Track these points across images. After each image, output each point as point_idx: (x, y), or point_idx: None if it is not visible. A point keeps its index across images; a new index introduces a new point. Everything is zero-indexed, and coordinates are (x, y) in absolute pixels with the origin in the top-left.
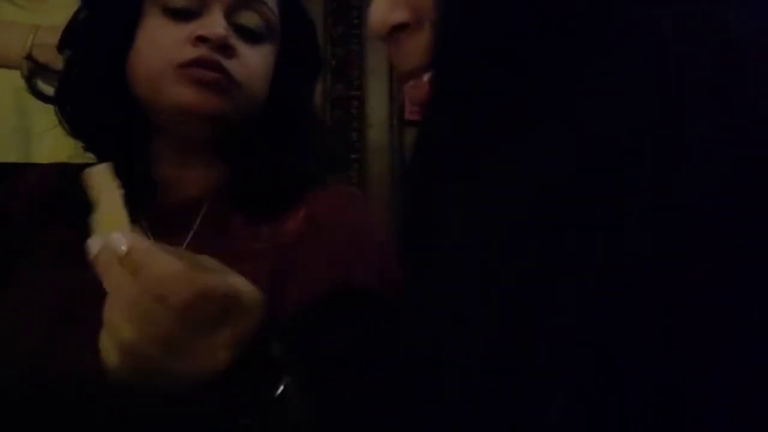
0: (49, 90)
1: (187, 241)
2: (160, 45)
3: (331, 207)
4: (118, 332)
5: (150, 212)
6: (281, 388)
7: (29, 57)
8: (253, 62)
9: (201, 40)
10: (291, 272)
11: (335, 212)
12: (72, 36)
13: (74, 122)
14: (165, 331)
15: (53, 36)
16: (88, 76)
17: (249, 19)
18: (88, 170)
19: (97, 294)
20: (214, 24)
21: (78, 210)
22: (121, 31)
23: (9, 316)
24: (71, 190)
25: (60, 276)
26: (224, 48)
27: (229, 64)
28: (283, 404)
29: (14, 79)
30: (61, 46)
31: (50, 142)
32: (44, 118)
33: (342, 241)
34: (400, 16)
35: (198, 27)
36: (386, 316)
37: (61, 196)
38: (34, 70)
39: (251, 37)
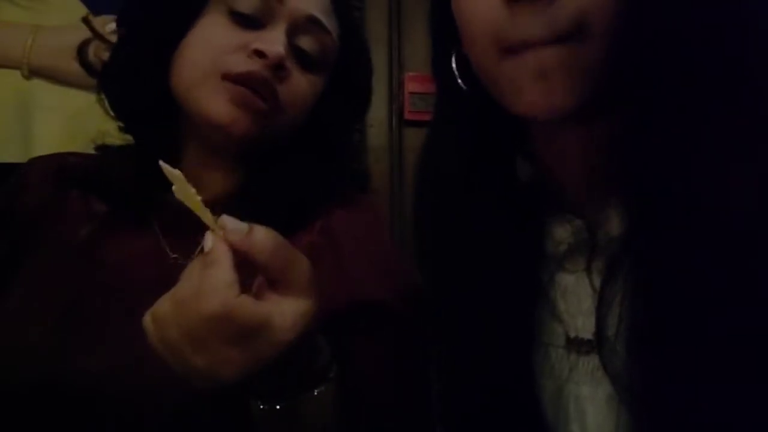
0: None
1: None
2: (214, 46)
3: (345, 219)
4: (159, 315)
5: (163, 211)
6: (322, 387)
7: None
8: (301, 90)
9: (258, 54)
10: None
11: (349, 225)
12: (130, 14)
13: (114, 101)
14: (193, 329)
15: (54, 36)
16: (135, 57)
17: (309, 44)
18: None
19: (105, 291)
20: (275, 41)
21: (85, 207)
22: (179, 20)
23: (16, 312)
24: (79, 187)
25: (67, 273)
26: (279, 68)
27: (279, 87)
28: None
29: (14, 79)
30: (119, 24)
31: (51, 143)
32: (45, 118)
33: (352, 253)
34: None
35: (257, 39)
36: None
37: (67, 193)
38: (86, 41)
39: (307, 63)
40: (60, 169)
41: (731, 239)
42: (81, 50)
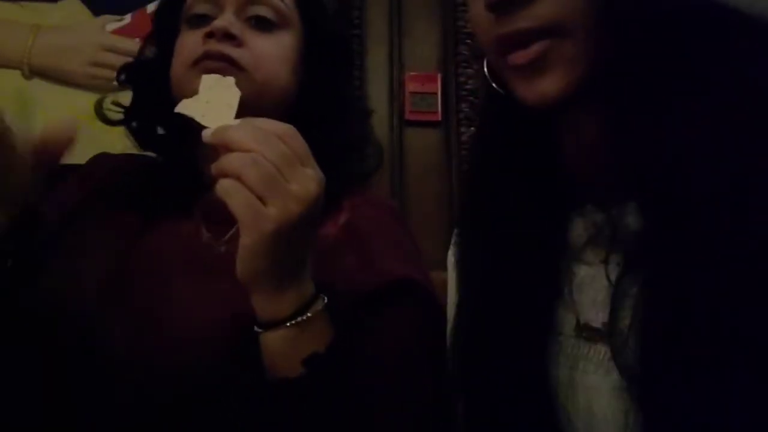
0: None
1: (230, 233)
2: (182, 51)
3: (371, 218)
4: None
5: (203, 203)
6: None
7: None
8: (263, 48)
9: (208, 36)
10: (329, 279)
11: (375, 223)
12: (131, 74)
13: (138, 137)
14: (282, 152)
15: (54, 37)
16: (146, 96)
17: (259, 10)
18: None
19: (148, 268)
20: (221, 20)
21: (139, 196)
22: (167, 54)
23: (62, 277)
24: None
25: (117, 250)
26: (229, 38)
27: (235, 52)
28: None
29: (14, 79)
30: (124, 81)
31: None
32: (45, 118)
33: (378, 245)
34: None
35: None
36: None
37: (126, 185)
38: (100, 100)
39: (262, 26)
40: (122, 165)
41: (745, 237)
42: (97, 108)
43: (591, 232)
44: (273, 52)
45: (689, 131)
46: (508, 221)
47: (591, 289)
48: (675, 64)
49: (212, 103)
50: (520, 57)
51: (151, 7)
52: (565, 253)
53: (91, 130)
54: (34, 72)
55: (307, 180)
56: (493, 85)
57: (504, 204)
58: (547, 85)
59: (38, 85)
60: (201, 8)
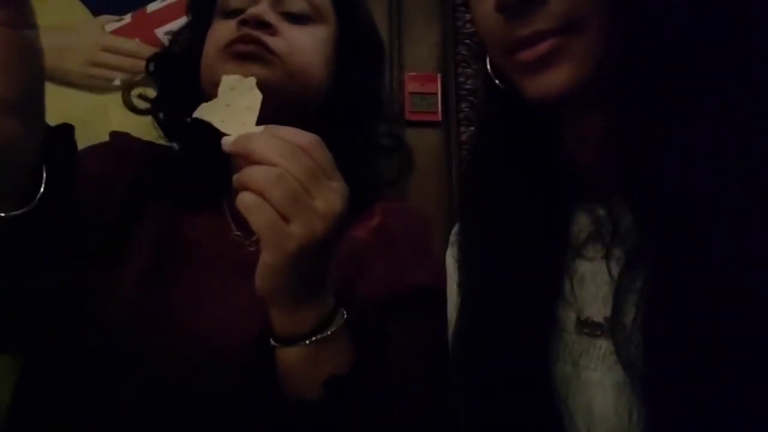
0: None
1: None
2: (214, 39)
3: (402, 224)
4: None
5: (231, 198)
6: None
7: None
8: (297, 39)
9: (242, 23)
10: (359, 280)
11: (405, 230)
12: (161, 62)
13: (166, 128)
14: (306, 166)
15: (53, 37)
16: (175, 88)
17: (294, 4)
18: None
19: (179, 263)
20: (256, 8)
21: (169, 187)
22: (198, 45)
23: (101, 281)
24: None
25: (150, 244)
26: (263, 25)
27: (269, 40)
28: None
29: None
30: (153, 73)
31: None
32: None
33: (407, 251)
34: None
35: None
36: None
37: (155, 173)
38: (128, 87)
39: (297, 19)
40: (146, 151)
41: (745, 234)
42: (124, 97)
43: (592, 228)
44: (307, 43)
45: (692, 130)
46: (509, 219)
47: (592, 284)
48: (680, 64)
49: (233, 107)
50: (529, 54)
51: (151, 7)
52: (565, 250)
53: (90, 131)
54: None
55: (331, 195)
56: (496, 81)
57: (504, 201)
58: (553, 80)
59: None
60: (236, 2)
